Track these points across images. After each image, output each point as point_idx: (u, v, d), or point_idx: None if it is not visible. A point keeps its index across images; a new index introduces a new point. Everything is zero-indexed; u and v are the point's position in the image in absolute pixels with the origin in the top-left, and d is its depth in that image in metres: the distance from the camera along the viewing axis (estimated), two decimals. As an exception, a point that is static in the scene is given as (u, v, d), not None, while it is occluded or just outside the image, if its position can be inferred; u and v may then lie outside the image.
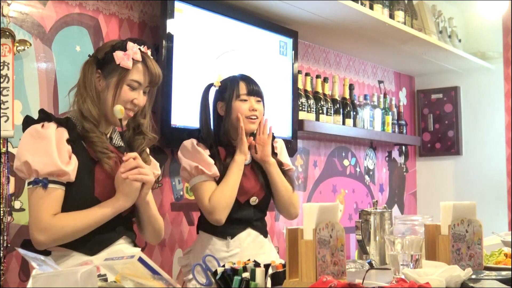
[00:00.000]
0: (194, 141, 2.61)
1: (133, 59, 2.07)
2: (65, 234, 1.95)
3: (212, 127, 2.67)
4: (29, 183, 1.97)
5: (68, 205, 1.98)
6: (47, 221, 1.93)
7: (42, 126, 1.99)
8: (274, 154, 2.77)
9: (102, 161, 2.02)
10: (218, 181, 2.60)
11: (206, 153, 2.60)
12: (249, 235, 2.66)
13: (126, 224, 2.13)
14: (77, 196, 2.00)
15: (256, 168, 2.71)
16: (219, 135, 2.66)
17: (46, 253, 1.99)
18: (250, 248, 2.65)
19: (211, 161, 2.58)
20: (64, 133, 1.99)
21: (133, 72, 2.08)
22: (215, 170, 2.57)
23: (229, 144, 2.67)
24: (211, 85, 2.73)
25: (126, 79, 2.07)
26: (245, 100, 2.65)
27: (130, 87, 2.08)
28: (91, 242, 2.01)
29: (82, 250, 2.00)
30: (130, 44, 2.08)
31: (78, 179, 1.99)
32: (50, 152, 1.94)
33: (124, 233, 2.11)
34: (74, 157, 1.99)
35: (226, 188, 2.56)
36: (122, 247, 2.08)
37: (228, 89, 2.66)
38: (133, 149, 2.14)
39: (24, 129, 2.03)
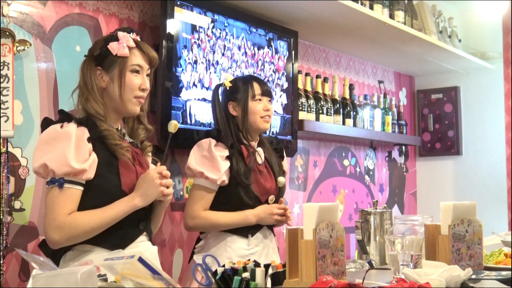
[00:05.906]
0: (213, 141, 2.60)
1: (127, 46, 2.10)
2: (79, 232, 1.96)
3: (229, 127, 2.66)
4: (46, 183, 1.99)
5: (98, 202, 1.99)
6: (61, 219, 1.94)
7: (61, 126, 2.00)
8: (283, 172, 2.81)
9: (117, 154, 2.04)
10: (231, 182, 2.59)
11: (224, 153, 2.58)
12: (265, 233, 2.69)
13: (147, 220, 2.14)
14: (105, 192, 2.01)
15: (270, 167, 2.73)
16: (237, 134, 2.65)
17: (64, 251, 2.00)
18: (267, 247, 2.68)
19: (222, 168, 2.55)
20: (85, 132, 2.00)
21: (131, 58, 2.11)
22: (220, 180, 2.56)
23: (248, 144, 2.67)
24: (220, 85, 2.74)
25: (127, 66, 2.10)
26: (259, 100, 2.67)
27: (133, 72, 2.10)
28: (115, 237, 2.01)
29: (105, 245, 2.01)
30: (120, 34, 2.11)
31: (103, 176, 2.00)
32: (67, 152, 1.94)
33: (145, 229, 2.13)
34: (94, 155, 1.99)
35: (220, 223, 2.59)
36: (144, 245, 2.10)
37: (242, 89, 2.67)
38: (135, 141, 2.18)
39: (42, 130, 2.04)
